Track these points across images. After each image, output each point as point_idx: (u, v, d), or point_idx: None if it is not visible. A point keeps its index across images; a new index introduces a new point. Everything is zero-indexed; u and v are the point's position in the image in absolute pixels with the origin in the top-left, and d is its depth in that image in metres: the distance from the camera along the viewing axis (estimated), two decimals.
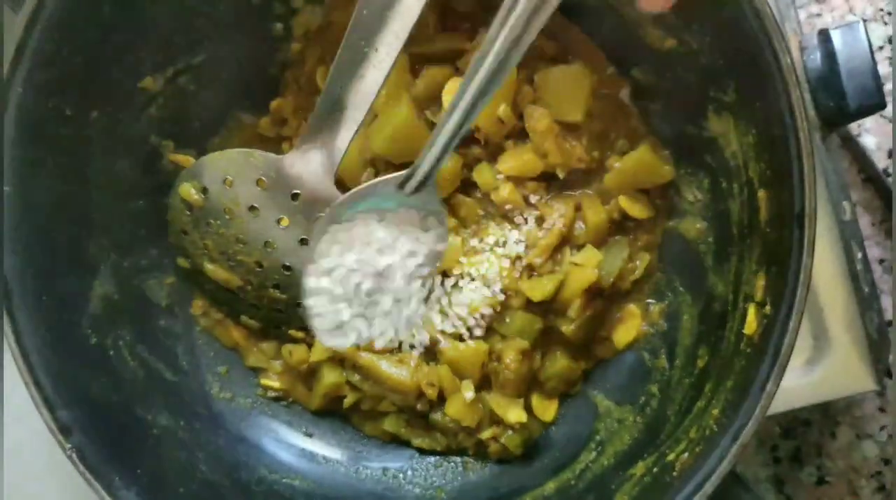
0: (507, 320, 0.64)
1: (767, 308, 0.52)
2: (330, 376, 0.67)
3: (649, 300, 0.66)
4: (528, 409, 0.66)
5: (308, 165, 0.60)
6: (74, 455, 0.57)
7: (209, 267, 0.66)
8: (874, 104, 0.59)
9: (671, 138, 0.64)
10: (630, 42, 0.61)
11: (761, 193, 0.54)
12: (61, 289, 0.60)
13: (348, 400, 0.68)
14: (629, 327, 0.65)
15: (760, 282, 0.54)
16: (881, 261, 0.74)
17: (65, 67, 0.58)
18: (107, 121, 0.62)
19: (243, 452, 0.68)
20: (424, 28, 0.65)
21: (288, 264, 0.64)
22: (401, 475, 0.69)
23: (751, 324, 0.54)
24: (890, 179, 0.72)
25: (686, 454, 0.54)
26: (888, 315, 0.72)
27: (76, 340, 0.61)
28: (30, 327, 0.57)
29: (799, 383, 0.63)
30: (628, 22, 0.61)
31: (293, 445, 0.70)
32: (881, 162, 0.74)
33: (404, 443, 0.69)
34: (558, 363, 0.65)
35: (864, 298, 0.64)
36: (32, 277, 0.58)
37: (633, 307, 0.66)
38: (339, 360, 0.67)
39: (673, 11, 0.56)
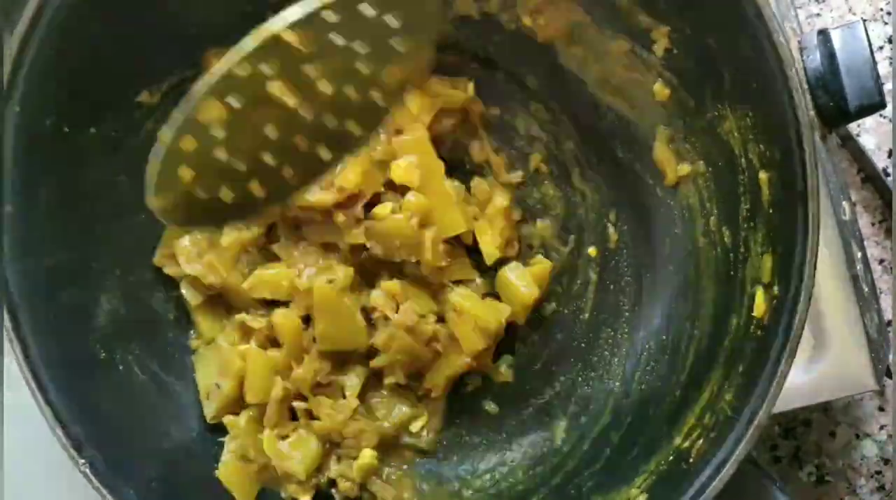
0: None
1: (775, 289, 0.52)
2: None
3: None
4: None
5: None
6: (88, 470, 0.57)
7: None
8: (874, 104, 0.58)
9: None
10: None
11: (762, 175, 0.54)
12: (67, 306, 0.60)
13: None
14: None
15: (767, 264, 0.53)
16: (881, 261, 0.74)
17: (61, 85, 0.58)
18: (105, 137, 0.62)
19: None
20: None
21: None
22: None
23: (759, 306, 0.53)
24: (889, 179, 0.72)
25: (701, 441, 0.54)
26: (888, 315, 0.72)
27: (85, 356, 0.61)
28: (38, 344, 0.57)
29: (799, 383, 0.62)
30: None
31: None
32: (881, 162, 0.74)
33: None
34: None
35: (864, 297, 0.63)
36: (38, 295, 0.58)
37: None
38: None
39: None
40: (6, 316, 0.57)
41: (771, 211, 0.53)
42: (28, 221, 0.58)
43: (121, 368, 0.64)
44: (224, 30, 0.65)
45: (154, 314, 0.68)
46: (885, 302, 0.72)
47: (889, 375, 0.69)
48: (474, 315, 0.64)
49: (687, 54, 0.58)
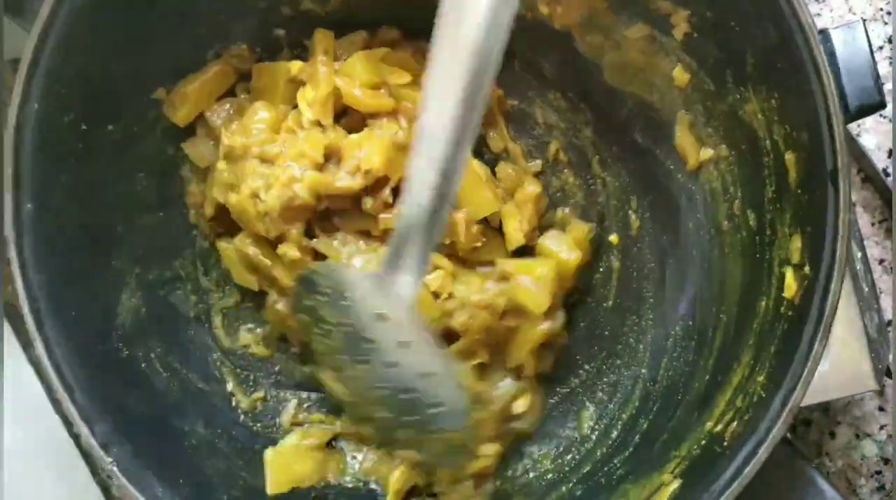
0: None
1: (806, 269, 0.51)
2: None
3: None
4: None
5: None
6: (115, 468, 0.56)
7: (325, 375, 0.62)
8: (874, 104, 0.57)
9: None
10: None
11: (789, 156, 0.54)
12: (89, 304, 0.60)
13: None
14: None
15: (796, 244, 0.53)
16: (881, 261, 0.73)
17: (77, 82, 0.57)
18: (122, 134, 0.62)
19: None
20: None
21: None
22: None
23: (790, 287, 0.53)
24: (889, 179, 0.72)
25: (735, 424, 0.54)
26: (888, 315, 0.72)
27: (107, 354, 0.61)
28: (61, 343, 0.57)
29: None
30: None
31: None
32: (881, 162, 0.73)
33: None
34: None
35: (864, 297, 0.63)
36: (60, 293, 0.58)
37: None
38: None
39: None
40: (30, 316, 0.56)
41: (799, 191, 0.53)
42: (48, 220, 0.57)
43: (143, 366, 0.63)
44: (238, 26, 0.65)
45: (174, 312, 0.68)
46: (885, 302, 0.72)
47: (889, 375, 0.69)
48: (528, 271, 0.62)
49: (708, 38, 0.58)
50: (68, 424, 0.76)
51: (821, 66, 0.48)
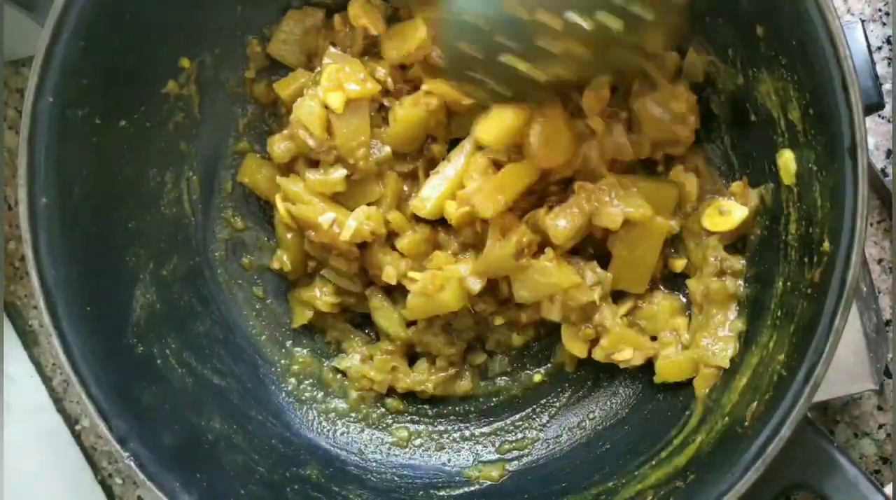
0: None
1: (826, 245, 0.51)
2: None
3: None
4: None
5: None
6: (133, 464, 0.56)
7: None
8: (873, 104, 0.58)
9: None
10: None
11: (804, 135, 0.54)
12: (104, 300, 0.60)
13: None
14: None
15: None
16: (879, 261, 0.73)
17: (91, 77, 0.58)
18: (135, 129, 0.63)
19: (301, 448, 0.67)
20: None
21: None
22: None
23: None
24: (888, 179, 0.71)
25: (755, 403, 0.53)
26: (886, 315, 0.71)
27: (123, 350, 0.61)
28: (77, 339, 0.57)
29: None
30: None
31: None
32: (879, 162, 0.73)
33: None
34: None
35: (863, 297, 0.63)
36: (75, 289, 0.58)
37: None
38: None
39: None
40: (45, 311, 0.56)
41: (815, 169, 0.53)
42: (62, 215, 0.58)
43: (159, 361, 0.63)
44: (252, 18, 0.66)
45: (188, 308, 0.68)
46: (884, 302, 0.72)
47: (888, 374, 0.69)
48: None
49: (718, 19, 0.58)
50: (69, 422, 0.76)
51: (839, 41, 0.48)
